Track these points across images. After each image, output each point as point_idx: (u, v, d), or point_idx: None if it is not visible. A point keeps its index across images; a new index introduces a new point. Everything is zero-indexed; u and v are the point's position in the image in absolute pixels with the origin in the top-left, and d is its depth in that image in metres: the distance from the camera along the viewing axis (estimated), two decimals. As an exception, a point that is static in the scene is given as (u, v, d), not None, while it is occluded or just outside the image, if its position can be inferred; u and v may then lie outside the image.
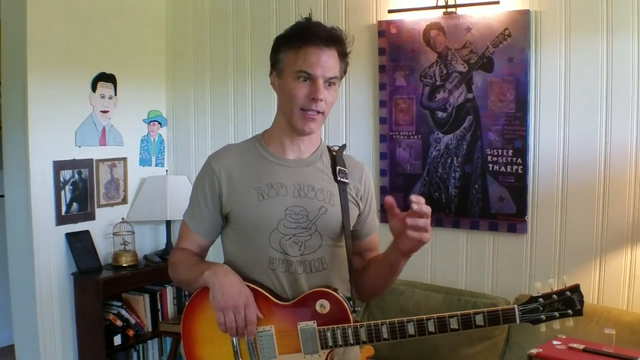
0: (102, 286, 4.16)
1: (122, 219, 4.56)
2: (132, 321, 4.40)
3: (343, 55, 2.00)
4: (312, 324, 1.93)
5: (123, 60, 4.65)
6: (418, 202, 1.75)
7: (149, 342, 4.56)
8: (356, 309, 2.00)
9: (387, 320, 1.90)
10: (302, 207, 2.00)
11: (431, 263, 3.93)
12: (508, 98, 3.57)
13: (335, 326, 1.91)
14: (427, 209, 1.77)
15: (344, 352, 2.06)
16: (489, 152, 3.65)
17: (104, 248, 4.51)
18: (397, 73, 3.92)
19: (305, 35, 1.93)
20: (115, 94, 4.58)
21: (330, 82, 1.95)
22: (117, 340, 4.28)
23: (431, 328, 1.88)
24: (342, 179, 2.07)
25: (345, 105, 4.17)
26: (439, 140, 3.81)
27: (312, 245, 2.01)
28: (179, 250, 2.12)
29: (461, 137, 3.73)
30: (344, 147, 2.17)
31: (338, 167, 2.09)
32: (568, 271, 3.49)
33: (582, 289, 1.84)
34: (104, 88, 4.50)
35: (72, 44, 4.29)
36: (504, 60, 3.56)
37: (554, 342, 2.61)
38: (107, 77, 4.52)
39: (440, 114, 3.79)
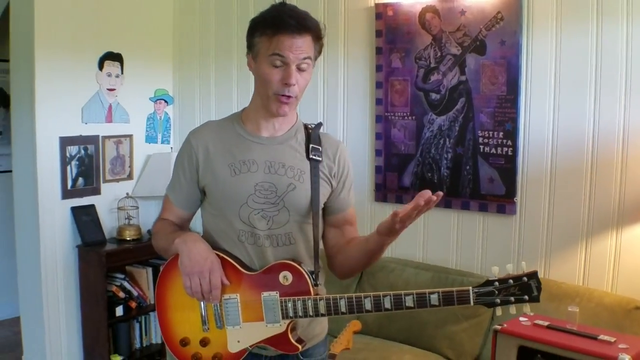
0: (104, 258, 4.29)
1: (127, 194, 4.69)
2: (135, 293, 4.54)
3: (317, 39, 2.04)
4: (275, 294, 2.01)
5: (130, 40, 4.75)
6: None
7: (151, 313, 4.69)
8: (318, 283, 2.08)
9: (346, 295, 1.96)
10: (272, 183, 2.08)
11: (423, 242, 4.01)
12: (500, 81, 3.61)
13: (296, 297, 1.99)
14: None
15: (310, 323, 2.15)
16: (480, 134, 3.71)
17: (108, 222, 4.65)
18: (393, 55, 3.98)
19: (277, 23, 1.97)
20: (122, 73, 4.69)
21: (303, 64, 2.00)
22: (119, 311, 4.42)
23: (387, 305, 1.94)
24: (314, 157, 2.13)
25: (343, 85, 4.25)
26: (433, 122, 3.87)
27: (280, 220, 2.08)
28: (161, 220, 2.23)
29: (454, 119, 3.79)
30: (319, 125, 2.23)
31: (311, 145, 2.15)
32: (555, 252, 3.56)
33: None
34: (110, 67, 4.61)
35: (80, 23, 4.40)
36: (496, 43, 3.60)
37: (521, 319, 2.67)
38: (114, 56, 4.64)
39: (434, 95, 3.85)
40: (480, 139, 3.71)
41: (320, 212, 2.15)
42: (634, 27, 3.26)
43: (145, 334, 4.70)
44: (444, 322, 3.61)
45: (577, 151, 3.46)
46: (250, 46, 2.08)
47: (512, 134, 3.61)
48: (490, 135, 3.67)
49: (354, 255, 2.14)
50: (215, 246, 2.07)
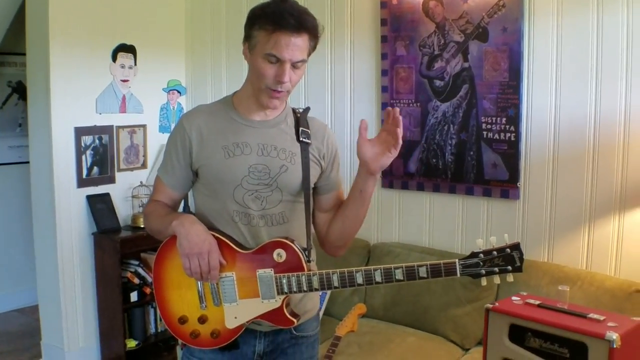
0: (119, 245, 4.41)
1: (141, 182, 4.79)
2: (149, 279, 4.64)
3: (314, 37, 2.10)
4: (270, 271, 2.09)
5: (143, 32, 4.86)
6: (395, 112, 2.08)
7: (165, 299, 4.78)
8: (310, 259, 2.15)
9: (338, 270, 2.04)
10: (265, 165, 2.16)
11: (429, 227, 4.06)
12: (502, 67, 3.66)
13: (290, 274, 2.07)
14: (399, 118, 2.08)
15: (301, 299, 2.22)
16: (483, 120, 3.75)
17: (123, 210, 4.77)
18: (397, 43, 4.04)
19: (277, 21, 2.02)
20: (135, 64, 4.80)
21: (297, 63, 2.08)
22: (134, 297, 4.53)
23: (378, 278, 2.03)
24: (304, 140, 2.22)
25: (350, 74, 4.32)
26: (437, 108, 3.92)
27: (273, 201, 2.16)
28: (153, 202, 2.30)
29: (457, 105, 3.84)
30: (307, 109, 2.31)
31: (301, 129, 2.23)
32: (558, 237, 3.60)
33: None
34: (124, 58, 4.71)
35: (93, 16, 4.51)
36: (498, 30, 3.65)
37: (513, 298, 2.72)
38: (127, 48, 4.74)
39: (438, 82, 3.90)
40: (484, 125, 3.76)
41: (311, 191, 2.23)
42: (635, 13, 3.28)
43: (160, 319, 4.80)
44: (448, 306, 3.68)
45: (579, 136, 3.50)
46: (248, 37, 2.13)
47: (514, 120, 3.65)
48: (493, 121, 3.72)
49: (345, 213, 2.23)
50: (208, 226, 2.14)
